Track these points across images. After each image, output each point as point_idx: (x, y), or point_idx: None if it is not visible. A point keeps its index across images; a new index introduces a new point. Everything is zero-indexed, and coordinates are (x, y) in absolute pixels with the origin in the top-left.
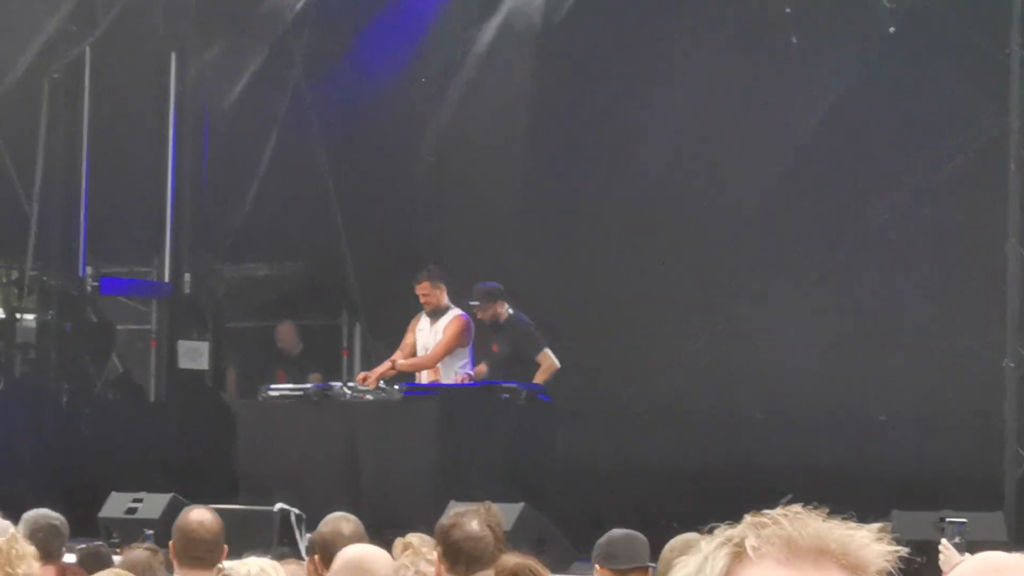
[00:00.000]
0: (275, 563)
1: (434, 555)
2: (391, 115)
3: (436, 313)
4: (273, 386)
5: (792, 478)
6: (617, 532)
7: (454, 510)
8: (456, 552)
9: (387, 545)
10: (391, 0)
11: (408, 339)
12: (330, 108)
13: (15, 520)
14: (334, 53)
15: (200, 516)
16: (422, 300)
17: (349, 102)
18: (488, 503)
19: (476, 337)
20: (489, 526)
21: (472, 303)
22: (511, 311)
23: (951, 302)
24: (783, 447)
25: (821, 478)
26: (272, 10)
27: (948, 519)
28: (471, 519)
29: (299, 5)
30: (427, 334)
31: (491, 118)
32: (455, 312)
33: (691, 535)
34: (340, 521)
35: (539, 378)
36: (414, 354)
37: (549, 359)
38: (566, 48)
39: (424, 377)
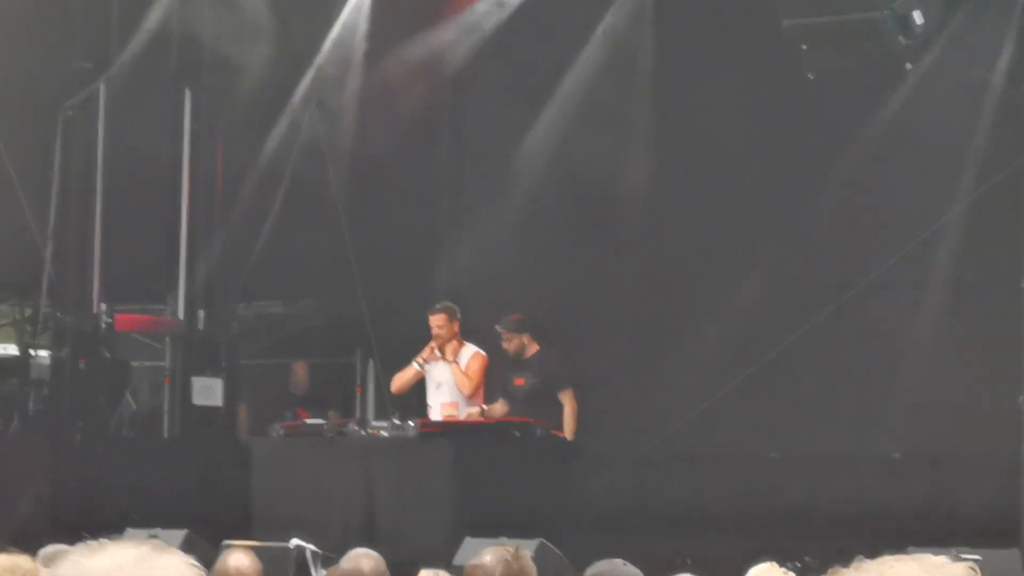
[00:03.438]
0: None
1: None
2: (406, 152)
3: (451, 348)
4: (286, 423)
5: (807, 516)
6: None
7: (483, 549)
8: None
9: None
10: (408, 36)
11: (411, 366)
12: (343, 144)
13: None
14: (349, 88)
15: (238, 562)
16: (435, 331)
17: (362, 138)
18: (515, 544)
19: (498, 371)
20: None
21: (500, 328)
22: (538, 345)
23: (967, 339)
24: (798, 486)
25: (837, 516)
26: (287, 47)
27: (963, 556)
28: (497, 564)
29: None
30: (439, 368)
31: (507, 157)
32: (473, 349)
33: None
34: (361, 558)
35: (567, 424)
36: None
37: (571, 400)
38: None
39: (437, 414)
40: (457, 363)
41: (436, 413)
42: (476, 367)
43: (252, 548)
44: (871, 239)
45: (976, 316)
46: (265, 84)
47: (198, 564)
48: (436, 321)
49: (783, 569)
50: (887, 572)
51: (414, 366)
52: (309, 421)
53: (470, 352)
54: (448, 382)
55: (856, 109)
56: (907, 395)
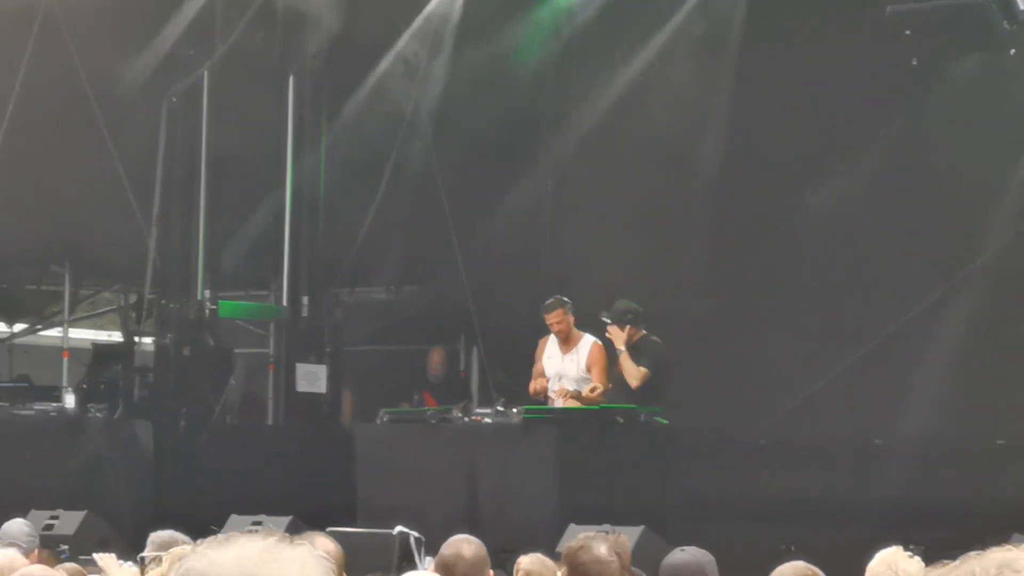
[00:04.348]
0: None
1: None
2: (509, 139)
3: (568, 341)
4: (390, 410)
5: (911, 504)
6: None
7: (582, 534)
8: (583, 574)
9: (509, 569)
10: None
11: (538, 367)
12: (449, 130)
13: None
14: (455, 74)
15: (323, 546)
16: (555, 329)
17: (468, 125)
18: (618, 532)
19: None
20: (617, 552)
21: (605, 319)
22: (644, 331)
23: None
24: (901, 474)
25: (940, 504)
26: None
27: None
28: (600, 543)
29: (421, 29)
30: (559, 361)
31: (609, 140)
32: (591, 339)
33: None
34: (462, 544)
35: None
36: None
37: (640, 375)
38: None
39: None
40: (627, 353)
41: (558, 405)
42: (601, 360)
43: (357, 535)
44: (979, 222)
45: None
46: (371, 68)
47: (326, 556)
48: (553, 317)
49: (908, 553)
50: (984, 557)
51: (541, 375)
52: (409, 409)
53: (589, 343)
54: (568, 375)
55: (959, 94)
56: (1010, 382)
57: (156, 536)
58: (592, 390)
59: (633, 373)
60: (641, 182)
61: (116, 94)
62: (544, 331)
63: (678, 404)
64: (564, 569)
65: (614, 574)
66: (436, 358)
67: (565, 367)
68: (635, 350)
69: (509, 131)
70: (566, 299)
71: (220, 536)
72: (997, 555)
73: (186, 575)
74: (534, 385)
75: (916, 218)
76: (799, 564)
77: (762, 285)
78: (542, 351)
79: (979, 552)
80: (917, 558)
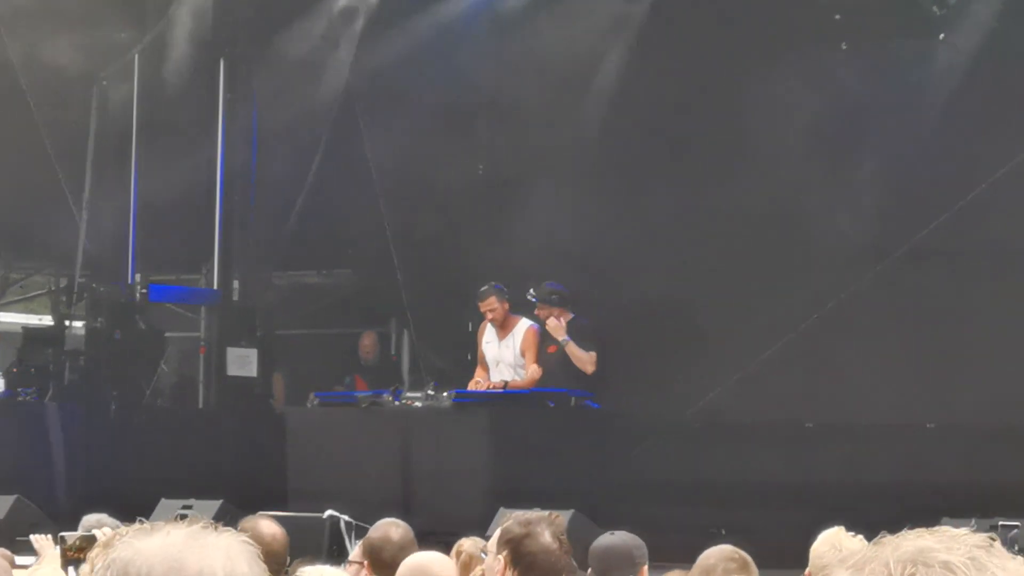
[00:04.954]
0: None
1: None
2: (442, 122)
3: (504, 326)
4: (321, 393)
5: (843, 487)
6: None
7: (521, 517)
8: (530, 564)
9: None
10: (442, 6)
11: (479, 353)
12: (379, 114)
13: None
14: (385, 57)
15: (271, 529)
16: (489, 316)
17: (399, 107)
18: (553, 513)
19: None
20: (559, 537)
21: (532, 298)
22: (571, 314)
23: (1006, 309)
24: (833, 455)
25: (872, 487)
26: (322, 16)
27: (1002, 524)
28: (544, 529)
29: (347, 8)
30: (496, 347)
31: (540, 127)
32: (527, 323)
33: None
34: (390, 527)
35: (581, 358)
36: (487, 367)
37: (591, 361)
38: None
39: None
40: (572, 343)
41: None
42: (532, 341)
43: (287, 518)
44: (910, 206)
45: (1017, 285)
46: (301, 53)
47: (251, 542)
48: (486, 305)
49: (851, 533)
50: (899, 545)
51: (482, 362)
52: (339, 393)
53: (524, 328)
54: (505, 360)
55: (889, 78)
56: (945, 364)
57: (86, 520)
58: (504, 385)
59: (584, 359)
60: (574, 165)
61: (46, 77)
62: (479, 316)
63: (610, 387)
64: (505, 554)
65: (559, 561)
66: (367, 341)
67: (502, 353)
68: (572, 334)
69: (441, 112)
70: (499, 286)
71: (145, 524)
72: (911, 544)
73: (112, 565)
74: (472, 383)
75: (848, 200)
76: (726, 548)
77: (694, 267)
78: (481, 337)
79: (894, 536)
80: (860, 537)
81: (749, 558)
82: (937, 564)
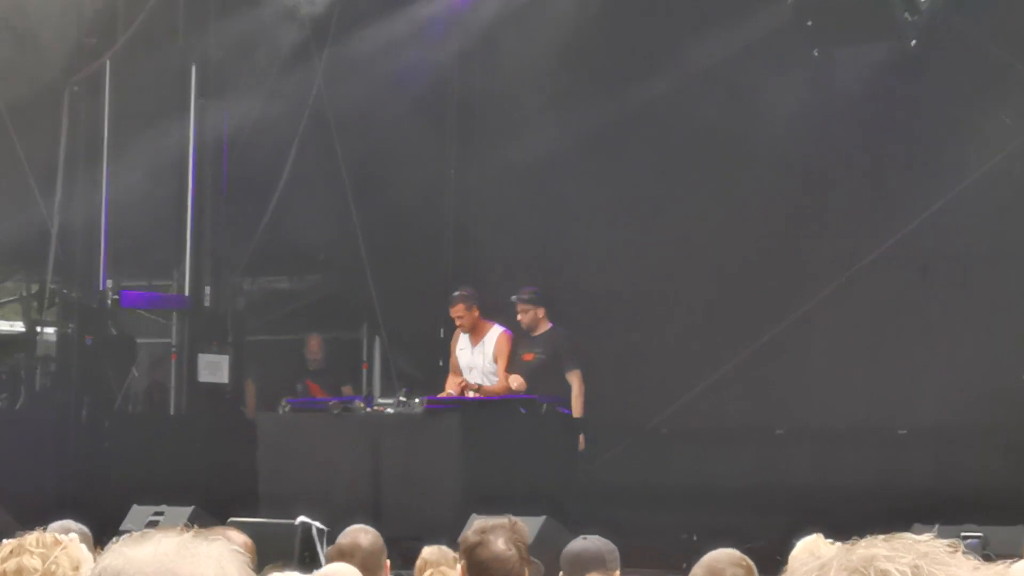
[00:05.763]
0: None
1: (456, 568)
2: (413, 126)
3: (476, 332)
4: (293, 399)
5: (813, 493)
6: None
7: (479, 524)
8: (482, 572)
9: (410, 557)
10: (412, 10)
11: (452, 360)
12: (350, 119)
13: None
14: (355, 63)
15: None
16: (458, 323)
17: (369, 114)
18: (513, 518)
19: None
20: (515, 544)
21: (515, 299)
22: (551, 324)
23: (972, 315)
24: (803, 462)
25: (842, 492)
26: (292, 21)
27: (966, 534)
28: (497, 537)
29: (319, 13)
30: (469, 353)
31: (513, 129)
32: (499, 330)
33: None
34: (358, 533)
35: (574, 404)
36: (460, 373)
37: (578, 381)
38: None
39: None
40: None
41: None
42: (503, 347)
43: (258, 525)
44: (878, 214)
45: (983, 291)
46: (272, 58)
47: (241, 550)
48: (455, 312)
49: (829, 540)
50: (849, 553)
51: (456, 369)
52: (311, 399)
53: (496, 334)
54: (477, 366)
55: (860, 84)
56: (913, 371)
57: (54, 526)
58: (478, 388)
59: (577, 392)
60: (543, 170)
61: (17, 82)
62: (452, 322)
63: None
64: (463, 563)
65: (514, 567)
66: (313, 344)
67: (474, 359)
68: (534, 341)
69: (411, 118)
70: (468, 292)
71: (135, 534)
72: (859, 553)
73: (103, 573)
74: (447, 389)
75: (817, 206)
76: (734, 553)
77: (663, 273)
78: (456, 343)
79: (854, 544)
80: (839, 544)
81: (754, 565)
82: (876, 573)
